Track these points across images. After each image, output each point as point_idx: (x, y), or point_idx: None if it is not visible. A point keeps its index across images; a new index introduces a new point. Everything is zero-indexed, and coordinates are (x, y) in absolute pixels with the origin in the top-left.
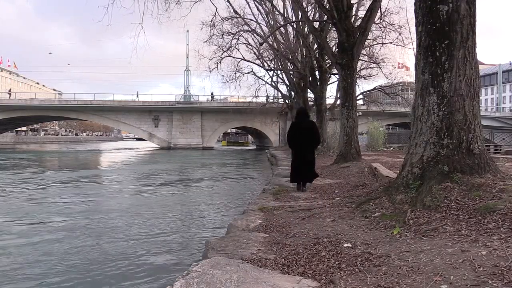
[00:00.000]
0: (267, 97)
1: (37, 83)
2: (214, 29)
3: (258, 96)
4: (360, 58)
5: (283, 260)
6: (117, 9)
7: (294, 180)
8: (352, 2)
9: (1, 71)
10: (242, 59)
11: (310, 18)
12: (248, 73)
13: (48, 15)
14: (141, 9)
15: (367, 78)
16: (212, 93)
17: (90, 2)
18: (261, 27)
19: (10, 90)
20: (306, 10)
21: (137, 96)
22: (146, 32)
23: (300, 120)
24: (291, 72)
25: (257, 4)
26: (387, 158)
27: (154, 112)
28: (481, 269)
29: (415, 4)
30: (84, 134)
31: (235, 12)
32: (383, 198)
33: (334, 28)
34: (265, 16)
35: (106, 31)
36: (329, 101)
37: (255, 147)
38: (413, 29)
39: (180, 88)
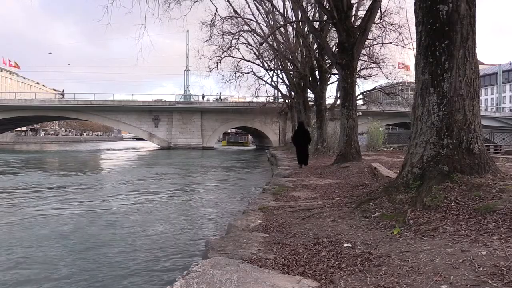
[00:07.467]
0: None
1: (37, 83)
2: (214, 29)
3: (258, 96)
4: (360, 58)
5: (283, 260)
6: (118, 8)
7: (299, 162)
8: (352, 2)
9: (1, 71)
10: (242, 59)
11: (310, 18)
12: (248, 73)
13: (53, 14)
14: (142, 9)
15: (367, 78)
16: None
17: (91, 1)
18: (261, 27)
19: (63, 91)
20: (306, 10)
21: (132, 97)
22: (151, 31)
23: (300, 128)
24: (291, 72)
25: (257, 4)
26: (387, 158)
27: (154, 112)
28: (481, 269)
29: (415, 4)
30: (84, 134)
31: (235, 12)
32: (383, 198)
33: (334, 28)
34: (265, 16)
35: (109, 30)
36: (329, 101)
37: (255, 147)
38: (413, 29)
39: (181, 88)
